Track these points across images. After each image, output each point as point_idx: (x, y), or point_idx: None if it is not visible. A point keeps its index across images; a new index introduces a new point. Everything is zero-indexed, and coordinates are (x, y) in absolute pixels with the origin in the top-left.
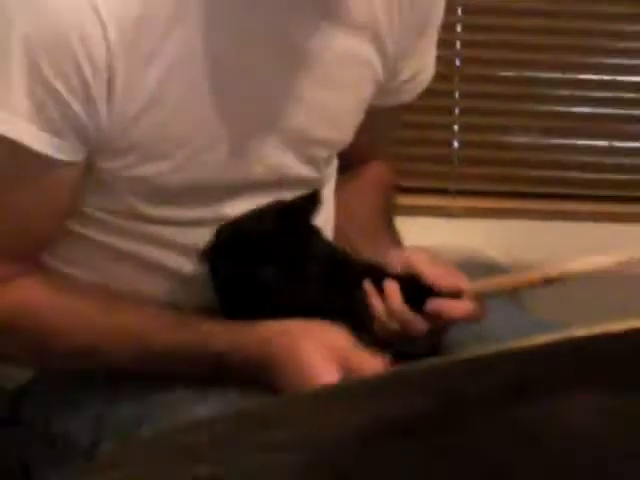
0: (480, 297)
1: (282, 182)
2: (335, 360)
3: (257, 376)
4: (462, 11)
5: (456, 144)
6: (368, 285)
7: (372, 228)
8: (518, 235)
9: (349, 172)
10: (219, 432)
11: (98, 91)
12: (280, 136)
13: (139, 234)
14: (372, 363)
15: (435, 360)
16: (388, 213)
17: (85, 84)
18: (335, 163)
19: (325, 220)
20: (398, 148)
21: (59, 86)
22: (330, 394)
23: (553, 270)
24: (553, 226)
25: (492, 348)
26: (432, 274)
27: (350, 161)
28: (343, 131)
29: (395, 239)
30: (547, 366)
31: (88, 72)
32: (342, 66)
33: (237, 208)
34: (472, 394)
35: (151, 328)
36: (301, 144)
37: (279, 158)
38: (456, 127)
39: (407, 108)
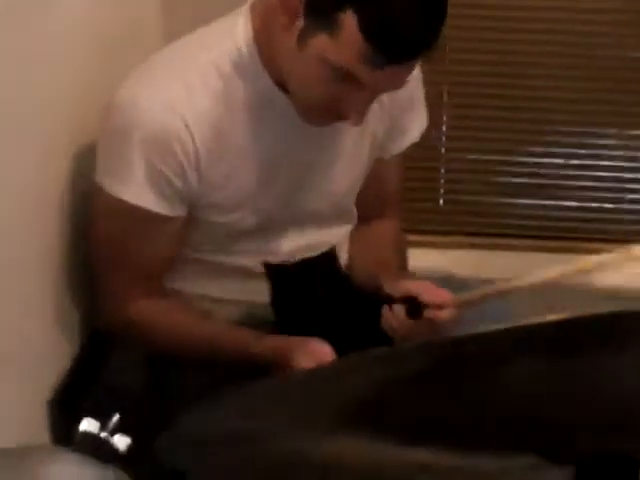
0: (458, 306)
1: (312, 219)
2: (316, 363)
3: (274, 369)
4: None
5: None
6: (385, 308)
7: (391, 268)
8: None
9: (370, 227)
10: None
11: (191, 173)
12: (310, 191)
13: (228, 251)
14: None
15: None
16: (403, 259)
17: (183, 169)
18: (353, 213)
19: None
20: None
21: (166, 171)
22: (370, 358)
23: (503, 286)
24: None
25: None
26: (425, 293)
27: (369, 213)
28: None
29: (406, 273)
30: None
31: (185, 161)
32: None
33: (287, 234)
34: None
35: (218, 337)
36: (325, 194)
37: (308, 205)
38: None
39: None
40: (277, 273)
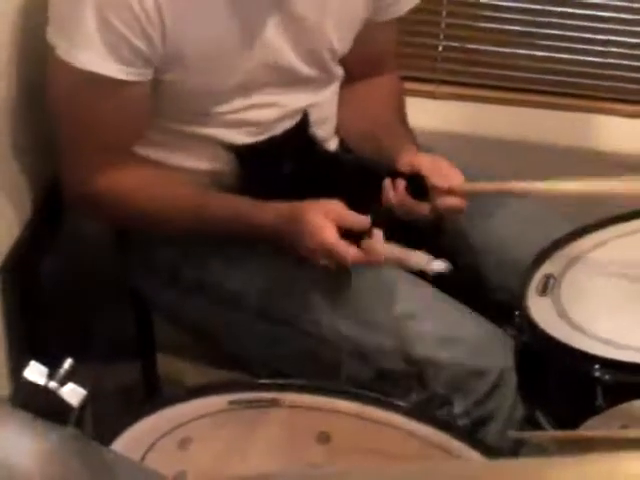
0: (466, 194)
1: (295, 81)
2: (331, 218)
3: (276, 241)
4: None
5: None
6: (387, 181)
7: (393, 127)
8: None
9: (366, 82)
10: None
11: (153, 31)
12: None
13: (203, 121)
14: (359, 219)
15: None
16: (402, 114)
17: (143, 28)
18: (338, 73)
19: (329, 116)
20: None
21: (125, 31)
22: None
23: (527, 187)
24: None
25: None
26: (435, 175)
27: (363, 72)
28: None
29: (409, 133)
30: None
31: (144, 20)
32: None
33: (266, 101)
34: None
35: (203, 203)
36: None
37: (291, 65)
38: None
39: None
40: (245, 153)
